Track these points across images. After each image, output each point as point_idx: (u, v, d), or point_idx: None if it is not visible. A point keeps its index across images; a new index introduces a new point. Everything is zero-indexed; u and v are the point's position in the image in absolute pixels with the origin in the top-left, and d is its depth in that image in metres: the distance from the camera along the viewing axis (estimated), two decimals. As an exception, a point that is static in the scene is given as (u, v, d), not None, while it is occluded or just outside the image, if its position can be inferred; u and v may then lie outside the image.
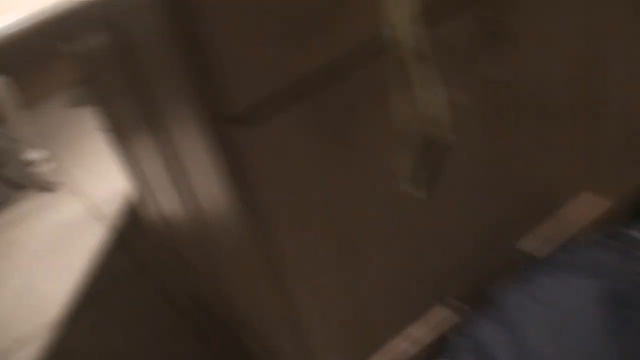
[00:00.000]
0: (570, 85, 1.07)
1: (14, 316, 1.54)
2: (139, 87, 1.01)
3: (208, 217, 1.05)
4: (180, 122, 0.91)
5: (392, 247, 1.00)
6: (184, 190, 1.10)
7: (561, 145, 1.14)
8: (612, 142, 1.20)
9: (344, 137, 0.86)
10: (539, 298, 1.04)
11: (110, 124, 1.37)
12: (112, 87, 1.19)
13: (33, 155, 1.83)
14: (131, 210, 1.72)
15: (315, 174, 0.86)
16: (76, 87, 1.98)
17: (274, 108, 0.78)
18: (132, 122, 1.20)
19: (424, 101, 0.83)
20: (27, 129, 1.83)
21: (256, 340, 1.20)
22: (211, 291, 1.35)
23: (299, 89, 0.79)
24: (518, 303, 1.05)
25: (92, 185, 1.85)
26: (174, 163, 1.06)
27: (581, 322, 1.02)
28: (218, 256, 1.14)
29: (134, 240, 1.66)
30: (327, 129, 0.84)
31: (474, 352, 1.00)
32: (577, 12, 1.00)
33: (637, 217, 1.22)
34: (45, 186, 1.86)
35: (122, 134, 1.34)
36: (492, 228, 1.12)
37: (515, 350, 0.99)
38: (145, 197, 1.47)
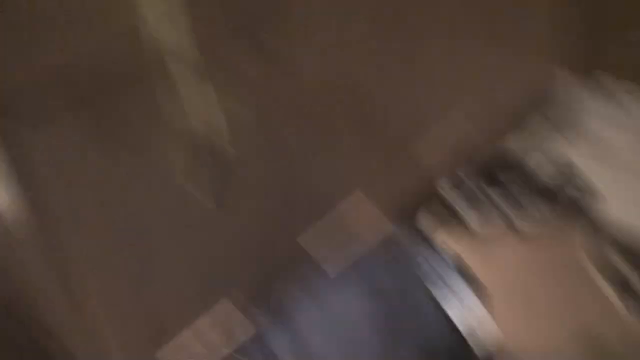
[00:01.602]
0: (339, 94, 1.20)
1: None
2: None
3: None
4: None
5: (178, 243, 1.07)
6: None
7: (333, 147, 1.28)
8: (377, 146, 1.36)
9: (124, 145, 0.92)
10: (326, 310, 1.17)
11: None
12: None
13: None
14: None
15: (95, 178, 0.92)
16: None
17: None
18: None
19: (194, 109, 0.90)
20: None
21: (52, 340, 1.23)
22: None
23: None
24: (306, 316, 1.16)
25: None
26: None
27: (359, 336, 1.16)
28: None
29: None
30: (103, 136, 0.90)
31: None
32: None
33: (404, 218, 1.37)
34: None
35: None
36: (274, 223, 1.22)
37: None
38: None
